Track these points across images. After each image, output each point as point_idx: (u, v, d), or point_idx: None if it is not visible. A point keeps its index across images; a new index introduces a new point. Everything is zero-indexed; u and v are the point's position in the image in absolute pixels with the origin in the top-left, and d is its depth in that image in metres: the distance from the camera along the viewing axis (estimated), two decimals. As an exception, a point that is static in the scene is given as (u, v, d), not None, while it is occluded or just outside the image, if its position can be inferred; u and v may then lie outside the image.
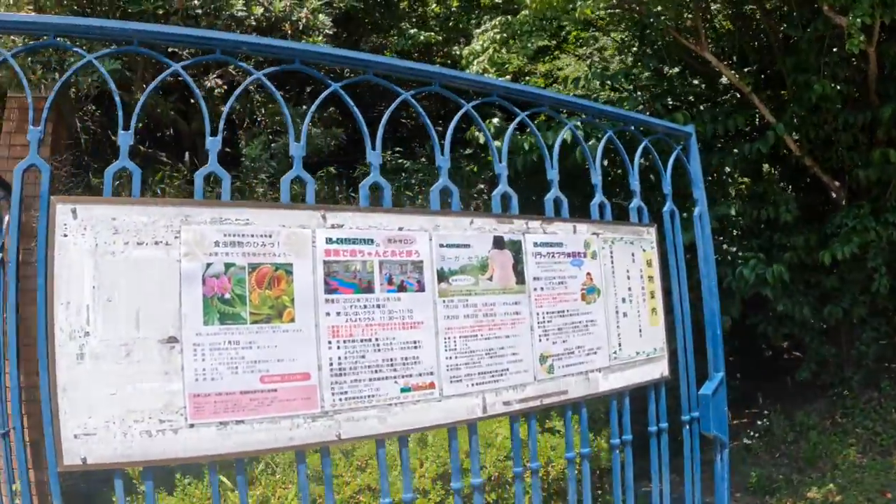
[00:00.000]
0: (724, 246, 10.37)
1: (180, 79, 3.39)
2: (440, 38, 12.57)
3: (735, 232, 10.62)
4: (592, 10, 9.83)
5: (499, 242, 3.90)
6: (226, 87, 9.46)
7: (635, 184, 4.76)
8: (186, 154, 10.39)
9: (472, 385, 3.68)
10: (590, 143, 8.24)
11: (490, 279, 3.83)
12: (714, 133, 9.92)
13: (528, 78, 11.49)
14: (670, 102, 10.71)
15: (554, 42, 11.82)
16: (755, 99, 9.90)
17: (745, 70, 10.91)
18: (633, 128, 5.24)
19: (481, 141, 9.33)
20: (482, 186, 10.72)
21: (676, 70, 11.30)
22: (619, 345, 4.41)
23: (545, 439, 7.29)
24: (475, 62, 9.45)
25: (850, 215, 9.56)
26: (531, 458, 4.05)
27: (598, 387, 4.25)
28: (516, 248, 3.96)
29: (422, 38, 11.94)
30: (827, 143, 10.43)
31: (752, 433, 10.71)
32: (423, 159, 11.69)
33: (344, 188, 10.44)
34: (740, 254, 9.93)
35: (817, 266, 9.98)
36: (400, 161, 11.47)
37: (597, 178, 4.54)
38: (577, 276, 4.22)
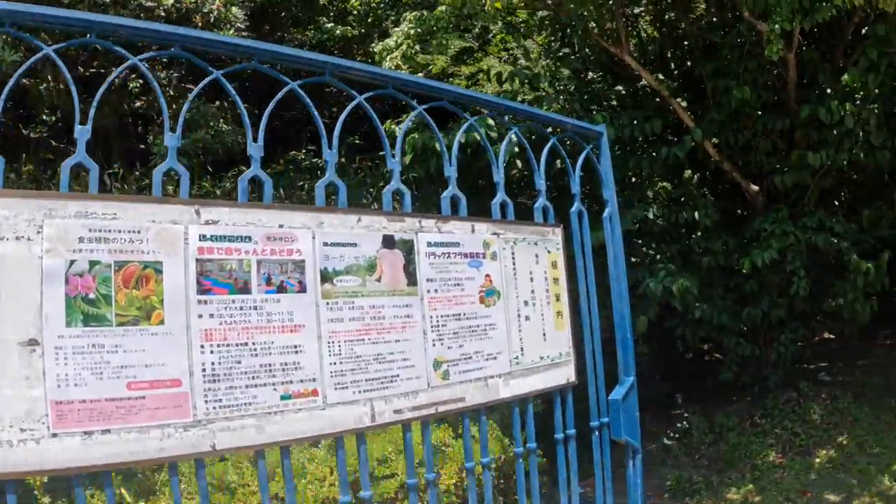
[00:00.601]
0: (644, 249, 10.35)
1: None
2: (356, 32, 12.33)
3: (652, 235, 10.56)
4: (503, 5, 9.69)
5: (389, 241, 3.73)
6: (136, 76, 9.15)
7: (541, 183, 4.63)
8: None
9: (360, 392, 3.50)
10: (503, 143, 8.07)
11: (378, 280, 3.66)
12: (632, 136, 9.90)
13: (451, 79, 11.34)
14: (594, 107, 10.66)
15: (478, 44, 11.69)
16: (675, 103, 9.89)
17: (667, 75, 10.90)
18: (543, 126, 5.14)
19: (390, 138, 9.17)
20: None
21: (598, 73, 11.27)
22: (522, 349, 4.27)
23: (459, 445, 7.16)
24: (388, 58, 9.22)
25: (769, 220, 9.58)
26: (427, 468, 3.89)
27: (499, 393, 4.11)
28: (408, 247, 3.80)
29: (338, 32, 11.72)
30: (746, 148, 10.45)
31: (671, 434, 10.69)
32: (344, 159, 11.45)
33: (256, 188, 10.12)
34: (658, 257, 9.91)
35: (736, 270, 10.01)
36: (315, 160, 11.23)
37: (499, 176, 4.40)
38: (474, 277, 4.07)
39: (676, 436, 10.59)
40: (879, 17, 8.87)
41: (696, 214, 9.87)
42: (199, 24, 8.28)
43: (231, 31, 8.59)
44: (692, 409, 11.07)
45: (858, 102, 9.13)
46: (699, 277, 9.60)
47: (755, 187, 10.46)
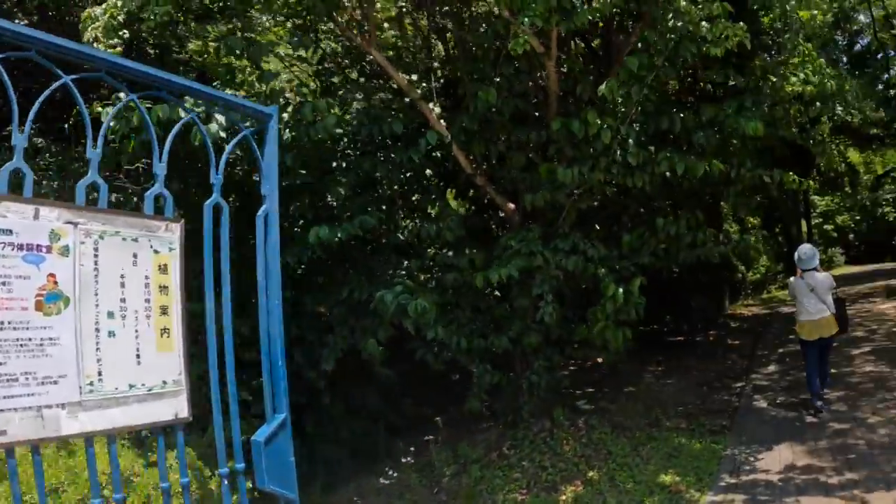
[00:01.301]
0: (382, 261, 9.56)
1: None
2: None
3: (393, 247, 9.80)
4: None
5: None
6: None
7: (160, 167, 3.70)
8: None
9: None
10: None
11: None
12: (371, 136, 9.12)
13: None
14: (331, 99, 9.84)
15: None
16: (424, 107, 9.18)
17: (427, 76, 10.19)
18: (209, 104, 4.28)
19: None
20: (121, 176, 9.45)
21: (342, 64, 10.52)
22: (100, 374, 3.29)
23: (151, 472, 6.38)
24: (90, 28, 8.06)
25: (517, 238, 9.02)
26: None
27: (61, 428, 3.14)
28: (-72, 232, 2.81)
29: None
30: (501, 162, 9.85)
31: (412, 465, 9.95)
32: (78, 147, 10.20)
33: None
34: (399, 271, 9.14)
35: (487, 292, 9.36)
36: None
37: (93, 152, 3.44)
38: (31, 276, 3.08)
39: (419, 467, 9.83)
40: (654, 25, 8.45)
41: (441, 228, 9.14)
42: None
43: None
44: (438, 437, 10.36)
45: (619, 117, 8.64)
46: (442, 296, 8.93)
47: (511, 205, 9.89)
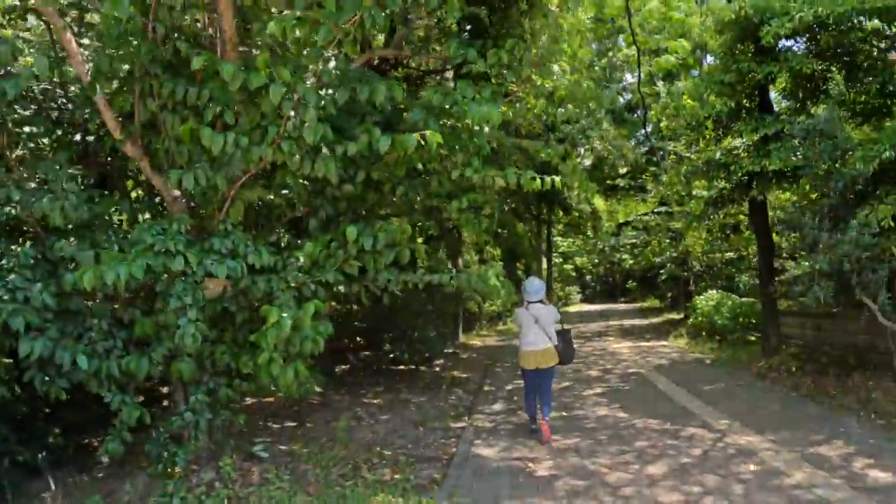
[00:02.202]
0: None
1: None
2: None
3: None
4: None
5: None
6: None
7: None
8: None
9: None
10: None
11: None
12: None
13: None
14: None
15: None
16: (62, 36, 6.91)
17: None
18: None
19: None
20: None
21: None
22: None
23: None
24: None
25: (153, 230, 6.88)
26: None
27: None
28: None
29: None
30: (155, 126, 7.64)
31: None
32: None
33: None
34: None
35: (127, 298, 7.10)
36: None
37: None
38: None
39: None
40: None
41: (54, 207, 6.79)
42: None
43: None
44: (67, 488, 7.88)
45: (298, 70, 6.63)
46: (58, 298, 6.68)
47: (176, 192, 7.64)
